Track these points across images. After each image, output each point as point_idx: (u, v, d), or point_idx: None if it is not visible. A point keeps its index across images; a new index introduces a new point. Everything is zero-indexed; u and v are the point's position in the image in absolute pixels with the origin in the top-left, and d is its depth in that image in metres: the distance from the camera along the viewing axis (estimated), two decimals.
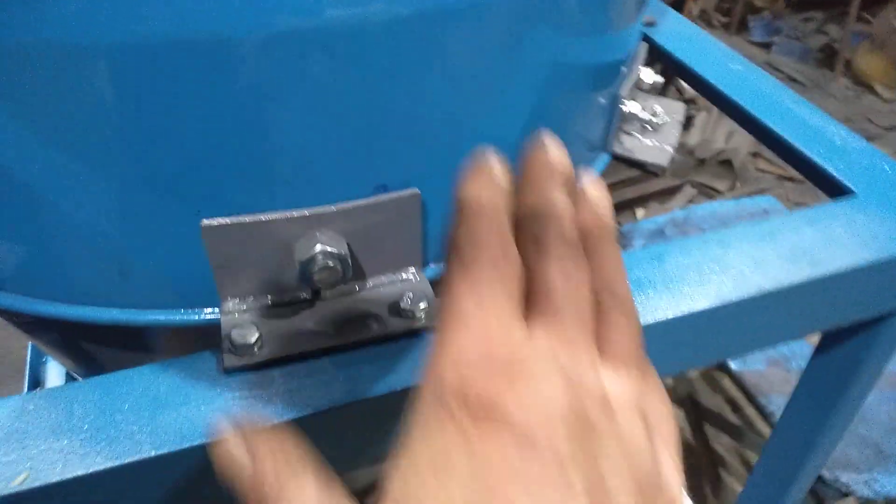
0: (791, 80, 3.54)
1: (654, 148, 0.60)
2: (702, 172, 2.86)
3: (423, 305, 0.43)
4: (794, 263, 0.52)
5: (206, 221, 0.38)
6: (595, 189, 0.30)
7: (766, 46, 3.81)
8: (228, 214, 0.39)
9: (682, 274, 0.51)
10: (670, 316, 0.47)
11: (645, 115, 0.59)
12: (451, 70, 0.40)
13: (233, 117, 0.36)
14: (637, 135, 0.60)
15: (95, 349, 0.54)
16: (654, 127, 0.60)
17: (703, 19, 3.88)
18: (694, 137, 2.89)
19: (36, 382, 1.12)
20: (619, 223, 2.59)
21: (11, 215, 0.39)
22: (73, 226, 0.39)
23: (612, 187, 2.67)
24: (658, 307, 0.48)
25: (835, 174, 0.62)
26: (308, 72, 0.35)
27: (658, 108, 0.60)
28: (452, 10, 0.37)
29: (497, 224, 0.28)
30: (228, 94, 0.35)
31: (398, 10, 0.35)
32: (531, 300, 0.27)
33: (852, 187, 0.61)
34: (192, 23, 0.32)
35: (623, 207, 2.66)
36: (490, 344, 0.25)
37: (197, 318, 0.43)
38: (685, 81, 0.76)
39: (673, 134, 0.62)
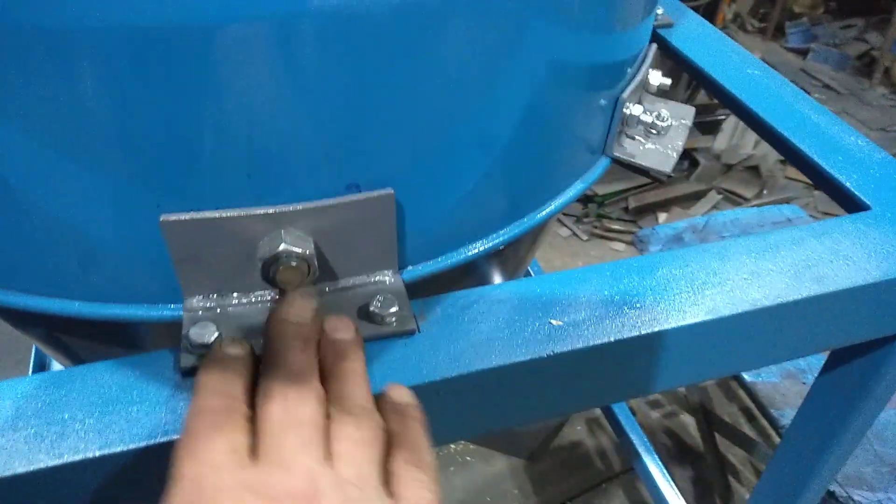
0: (826, 88, 3.46)
1: (657, 152, 0.57)
2: (728, 178, 2.80)
3: (393, 310, 0.41)
4: (797, 279, 0.49)
5: (165, 216, 0.37)
6: (334, 321, 0.38)
7: (802, 53, 3.72)
8: (192, 208, 0.37)
9: (674, 286, 0.48)
10: (656, 329, 0.45)
11: (648, 119, 0.56)
12: (439, 64, 0.38)
13: (199, 104, 0.34)
14: (640, 138, 0.58)
15: (73, 342, 0.53)
16: (659, 131, 0.57)
17: (738, 24, 3.80)
18: (721, 143, 2.83)
19: (41, 366, 1.13)
20: (639, 227, 2.55)
21: None
22: (34, 213, 0.38)
23: (633, 191, 2.63)
24: (644, 320, 0.45)
25: (850, 187, 0.59)
26: (281, 60, 0.34)
27: (664, 112, 0.57)
28: (444, 2, 0.35)
29: (226, 385, 0.34)
30: (195, 81, 0.33)
31: None
32: (256, 438, 0.32)
33: (868, 201, 0.58)
34: (165, 9, 0.30)
35: (645, 211, 2.62)
36: (200, 491, 0.29)
37: (159, 314, 0.42)
38: (701, 85, 0.73)
39: (679, 139, 0.59)
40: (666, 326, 0.45)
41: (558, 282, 0.47)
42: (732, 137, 2.86)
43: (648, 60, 0.59)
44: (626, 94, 0.54)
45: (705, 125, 2.90)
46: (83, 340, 0.53)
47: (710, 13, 2.93)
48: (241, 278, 0.41)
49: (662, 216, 2.61)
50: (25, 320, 0.52)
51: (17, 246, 0.40)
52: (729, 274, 0.49)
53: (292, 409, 0.32)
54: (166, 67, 0.32)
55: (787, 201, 2.71)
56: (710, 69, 0.70)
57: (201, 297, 0.41)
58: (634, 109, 0.55)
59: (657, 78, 0.59)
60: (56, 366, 1.16)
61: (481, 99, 0.41)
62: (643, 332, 0.44)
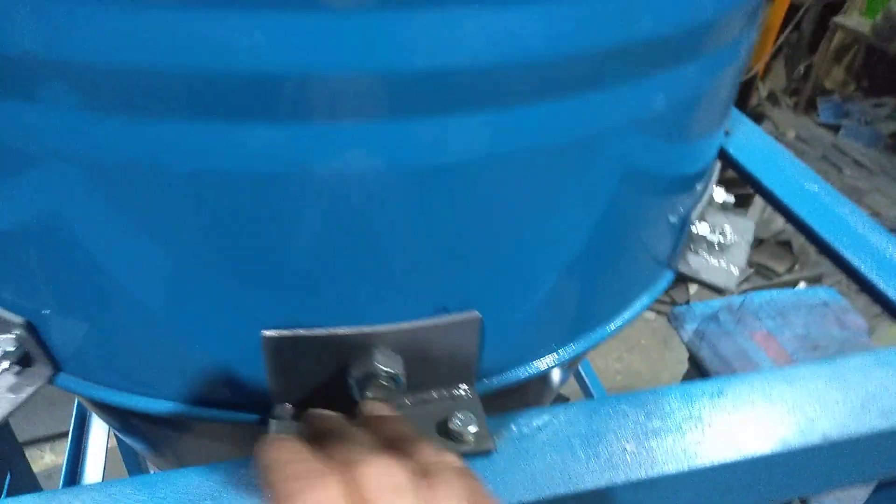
0: (858, 165, 3.46)
1: (720, 269, 0.59)
2: (760, 252, 2.79)
3: (472, 429, 0.42)
4: (863, 411, 0.50)
5: (267, 332, 0.39)
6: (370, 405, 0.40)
7: (834, 128, 3.74)
8: (290, 325, 0.39)
9: (743, 410, 0.48)
10: (728, 458, 0.45)
11: (713, 237, 0.57)
12: (527, 201, 0.40)
13: (307, 238, 0.36)
14: (704, 254, 0.59)
15: (144, 426, 0.55)
16: (722, 247, 0.58)
17: (771, 100, 3.83)
18: (753, 217, 2.84)
19: (82, 418, 1.15)
20: (669, 297, 2.54)
21: (85, 302, 0.40)
22: (141, 320, 0.40)
23: None
24: (716, 448, 0.46)
25: None
26: (387, 206, 0.36)
27: (727, 228, 0.59)
28: (533, 149, 0.37)
29: (303, 454, 0.33)
30: (306, 219, 0.35)
31: (474, 152, 0.35)
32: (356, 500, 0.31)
33: None
34: (280, 159, 0.33)
35: (675, 282, 2.61)
36: None
37: (247, 418, 0.43)
38: (759, 195, 0.75)
39: (741, 254, 0.60)
40: (738, 455, 0.45)
41: (629, 403, 0.48)
42: (764, 212, 2.86)
43: (715, 175, 0.61)
44: (694, 213, 0.55)
45: (738, 199, 2.90)
46: (148, 423, 0.54)
47: (744, 91, 2.96)
48: (328, 390, 0.42)
49: (693, 287, 2.61)
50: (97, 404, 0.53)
51: (122, 349, 0.42)
52: (798, 403, 0.49)
53: (388, 474, 0.32)
54: (289, 207, 0.34)
55: (820, 277, 2.70)
56: (769, 183, 0.71)
57: (289, 405, 0.42)
58: (701, 227, 0.57)
59: (721, 195, 0.61)
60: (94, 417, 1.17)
61: (561, 230, 0.43)
62: (716, 462, 0.45)
